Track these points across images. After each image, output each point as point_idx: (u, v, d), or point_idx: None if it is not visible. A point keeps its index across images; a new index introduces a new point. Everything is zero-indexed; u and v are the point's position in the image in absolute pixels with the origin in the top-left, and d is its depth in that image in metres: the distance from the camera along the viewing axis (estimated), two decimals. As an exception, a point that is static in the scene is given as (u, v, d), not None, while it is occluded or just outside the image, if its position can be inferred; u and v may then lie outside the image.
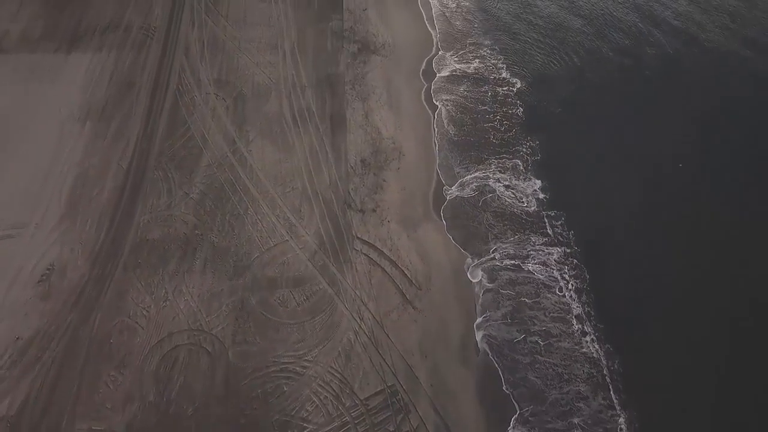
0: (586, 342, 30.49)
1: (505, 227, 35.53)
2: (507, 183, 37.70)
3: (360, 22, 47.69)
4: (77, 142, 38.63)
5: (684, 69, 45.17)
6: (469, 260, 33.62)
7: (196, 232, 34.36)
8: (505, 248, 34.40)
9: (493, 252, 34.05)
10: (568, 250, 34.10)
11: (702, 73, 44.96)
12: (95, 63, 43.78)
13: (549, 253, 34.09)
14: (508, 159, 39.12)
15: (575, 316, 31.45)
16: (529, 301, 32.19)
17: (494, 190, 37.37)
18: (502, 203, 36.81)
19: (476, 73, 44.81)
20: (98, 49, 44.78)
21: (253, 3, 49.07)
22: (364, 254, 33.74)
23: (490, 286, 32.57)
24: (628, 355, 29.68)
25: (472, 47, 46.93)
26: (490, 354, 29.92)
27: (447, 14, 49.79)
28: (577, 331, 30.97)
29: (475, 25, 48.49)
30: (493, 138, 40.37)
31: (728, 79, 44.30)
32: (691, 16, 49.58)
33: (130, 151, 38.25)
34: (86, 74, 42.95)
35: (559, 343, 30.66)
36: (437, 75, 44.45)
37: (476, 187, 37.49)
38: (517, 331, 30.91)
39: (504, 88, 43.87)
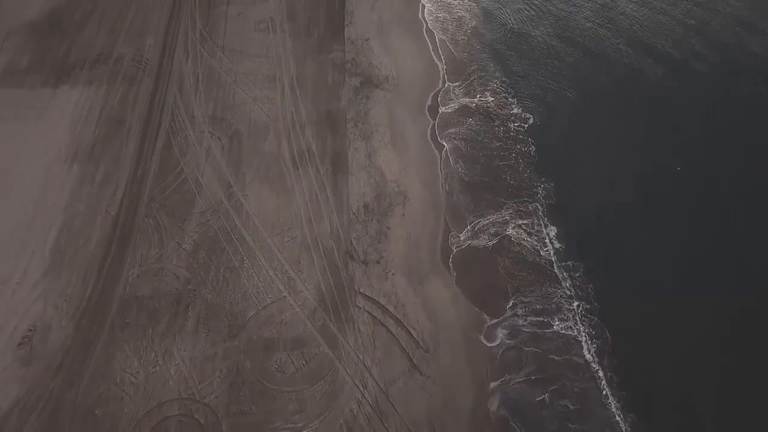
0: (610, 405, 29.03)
1: (518, 280, 34.14)
2: (520, 230, 36.37)
3: (362, 53, 46.48)
4: (64, 186, 37.32)
5: (716, 110, 43.59)
6: (484, 317, 32.11)
7: (189, 287, 32.96)
8: (521, 304, 33.07)
9: (508, 309, 32.61)
10: (588, 306, 32.63)
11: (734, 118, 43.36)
12: (84, 98, 42.57)
13: (569, 309, 32.60)
14: (521, 203, 37.77)
15: (601, 379, 29.96)
16: (552, 361, 30.67)
17: (506, 239, 36.00)
18: (515, 253, 35.43)
19: (485, 108, 43.52)
20: (88, 82, 43.57)
21: (251, 32, 47.88)
22: (368, 312, 32.32)
23: (510, 342, 31.13)
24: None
25: (480, 79, 45.66)
26: (510, 420, 28.36)
27: (453, 43, 48.55)
28: (603, 394, 29.49)
29: (484, 55, 47.25)
30: (505, 180, 39.09)
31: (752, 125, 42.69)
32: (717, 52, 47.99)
33: (119, 197, 36.93)
34: (74, 111, 41.74)
35: (591, 409, 29.14)
36: (444, 110, 43.21)
37: (487, 235, 36.12)
38: (541, 394, 29.36)
39: (515, 124, 42.57)
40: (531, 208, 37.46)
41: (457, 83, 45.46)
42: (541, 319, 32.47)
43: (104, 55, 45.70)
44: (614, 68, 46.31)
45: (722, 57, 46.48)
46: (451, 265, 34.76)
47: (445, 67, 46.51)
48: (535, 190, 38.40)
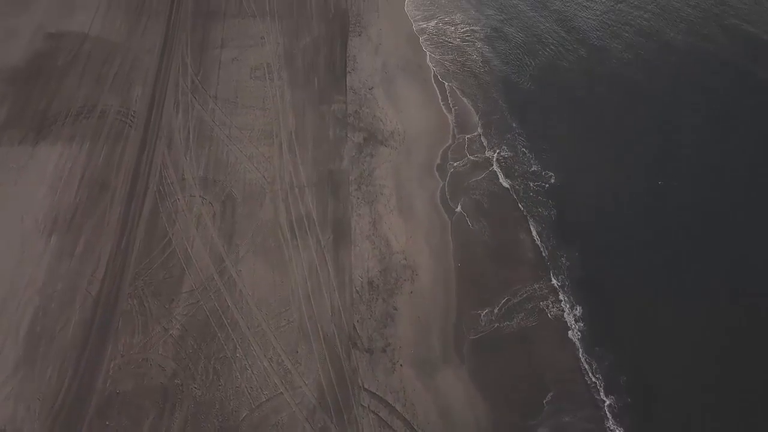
0: None
1: (540, 374, 31.76)
2: (543, 311, 34.05)
3: (366, 105, 44.50)
4: (40, 261, 35.16)
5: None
6: (506, 418, 29.82)
7: (176, 381, 30.74)
8: (543, 403, 30.62)
9: (537, 413, 30.24)
10: (620, 404, 30.34)
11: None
12: (65, 158, 40.53)
13: (601, 412, 30.37)
14: (544, 279, 35.72)
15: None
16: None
17: (527, 321, 33.69)
18: (540, 338, 33.14)
19: (501, 166, 41.44)
20: (69, 139, 41.57)
21: (246, 80, 45.96)
22: (373, 411, 30.09)
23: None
24: None
25: (495, 132, 43.72)
26: None
27: (464, 91, 46.63)
28: None
29: (498, 104, 45.31)
30: (524, 250, 37.06)
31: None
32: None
33: (101, 274, 34.74)
34: (54, 172, 39.69)
35: None
36: (454, 170, 41.08)
37: (506, 317, 33.89)
38: None
39: (535, 183, 40.56)
40: (555, 284, 35.31)
41: (468, 137, 43.49)
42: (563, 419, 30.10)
43: (88, 107, 43.73)
44: (648, 121, 44.15)
45: None
46: (465, 353, 32.55)
47: (455, 119, 44.53)
48: (558, 262, 36.33)
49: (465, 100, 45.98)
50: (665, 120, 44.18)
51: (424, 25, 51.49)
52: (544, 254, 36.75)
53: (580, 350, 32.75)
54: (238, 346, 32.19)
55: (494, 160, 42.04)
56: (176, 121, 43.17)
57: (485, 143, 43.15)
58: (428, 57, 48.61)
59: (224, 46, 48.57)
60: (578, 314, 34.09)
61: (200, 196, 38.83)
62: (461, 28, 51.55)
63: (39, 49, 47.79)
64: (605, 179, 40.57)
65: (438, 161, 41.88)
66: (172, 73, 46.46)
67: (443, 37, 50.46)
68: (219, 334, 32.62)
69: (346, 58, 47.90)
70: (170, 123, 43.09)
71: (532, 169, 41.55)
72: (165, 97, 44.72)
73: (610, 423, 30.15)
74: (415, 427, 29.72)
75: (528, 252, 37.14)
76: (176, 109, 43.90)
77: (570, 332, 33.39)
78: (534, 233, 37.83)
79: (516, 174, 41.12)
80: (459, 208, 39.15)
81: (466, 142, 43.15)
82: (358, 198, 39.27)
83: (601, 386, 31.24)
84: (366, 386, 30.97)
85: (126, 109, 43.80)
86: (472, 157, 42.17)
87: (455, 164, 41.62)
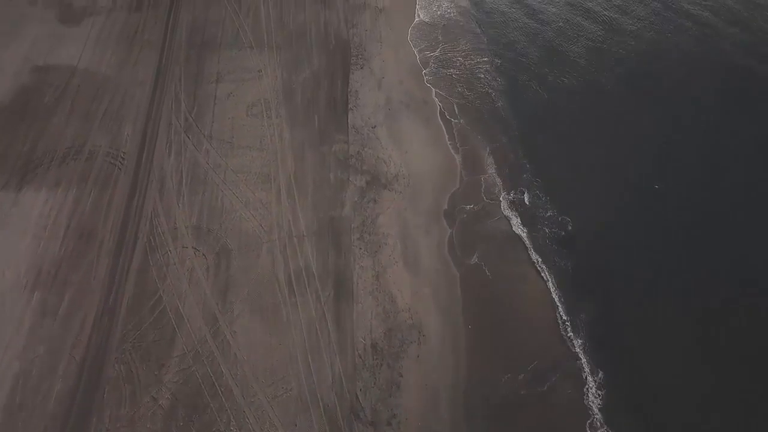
0: None
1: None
2: (560, 378, 32.37)
3: (368, 145, 42.89)
4: (22, 322, 33.56)
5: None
6: None
7: (165, 459, 28.88)
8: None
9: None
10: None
11: None
12: (51, 205, 38.91)
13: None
14: (561, 339, 34.01)
15: None
16: None
17: (544, 389, 31.89)
18: (556, 409, 31.34)
19: (514, 212, 39.77)
20: (55, 184, 39.96)
21: (242, 117, 44.38)
22: (378, 495, 28.19)
23: None
24: None
25: (507, 173, 42.20)
26: None
27: (472, 128, 45.05)
28: None
29: (510, 142, 43.81)
30: (539, 308, 35.14)
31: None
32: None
33: (86, 336, 33.10)
34: (39, 221, 38.04)
35: None
36: (463, 216, 39.35)
37: (520, 383, 32.05)
38: None
39: (551, 230, 39.03)
40: (574, 345, 33.69)
41: (478, 180, 41.83)
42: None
43: (76, 148, 42.16)
44: (673, 161, 42.46)
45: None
46: (478, 426, 30.69)
47: (463, 160, 42.94)
48: (577, 319, 34.93)
49: (473, 138, 44.37)
50: (691, 159, 42.47)
51: (429, 55, 49.99)
52: (561, 312, 35.12)
53: (601, 420, 30.91)
54: (232, 419, 30.45)
55: (506, 205, 40.42)
56: (168, 163, 41.55)
57: (496, 186, 41.54)
58: (434, 92, 46.98)
59: (220, 80, 47.00)
60: (600, 380, 32.35)
61: (193, 248, 37.16)
62: (467, 58, 50.04)
63: (25, 83, 46.25)
64: (626, 224, 38.90)
65: (445, 206, 40.24)
66: (164, 110, 44.88)
67: (449, 69, 48.89)
68: (212, 405, 30.90)
69: (347, 94, 46.33)
70: (162, 165, 41.47)
71: (548, 214, 39.91)
72: (157, 137, 43.13)
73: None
74: None
75: (544, 310, 35.48)
76: (168, 150, 42.29)
77: (590, 401, 31.56)
78: (551, 288, 36.19)
79: (530, 220, 39.49)
80: (468, 260, 37.48)
81: (476, 185, 41.55)
82: (360, 248, 37.59)
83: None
84: (370, 465, 29.19)
85: (116, 150, 42.20)
86: (481, 202, 40.56)
87: (464, 210, 40.01)
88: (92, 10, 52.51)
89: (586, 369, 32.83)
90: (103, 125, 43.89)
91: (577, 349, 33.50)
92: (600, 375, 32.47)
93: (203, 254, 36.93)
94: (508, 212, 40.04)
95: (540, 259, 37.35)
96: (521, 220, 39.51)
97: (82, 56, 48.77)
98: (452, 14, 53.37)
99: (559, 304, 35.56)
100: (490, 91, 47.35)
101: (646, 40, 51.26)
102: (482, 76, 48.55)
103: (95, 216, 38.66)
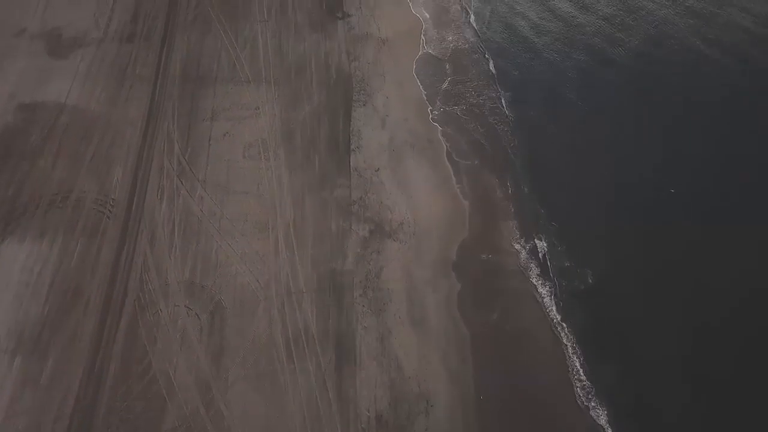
0: None
1: None
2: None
3: (371, 190, 41.23)
4: (2, 390, 31.82)
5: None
6: None
7: None
8: None
9: None
10: None
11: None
12: (34, 258, 37.29)
13: None
14: (583, 411, 32.22)
15: None
16: None
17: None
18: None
19: (528, 263, 38.22)
20: (39, 235, 38.33)
21: (239, 160, 42.79)
22: None
23: None
24: None
25: (520, 220, 40.70)
26: None
27: (482, 171, 43.37)
28: None
29: (522, 185, 42.20)
30: (558, 375, 33.54)
31: None
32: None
33: (70, 408, 31.55)
34: (21, 276, 36.42)
35: None
36: (473, 268, 37.68)
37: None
38: None
39: (570, 284, 37.57)
40: (599, 418, 31.73)
41: (488, 228, 40.18)
42: None
43: (62, 195, 40.57)
44: (697, 205, 40.90)
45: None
46: None
47: (471, 205, 41.30)
48: (600, 386, 33.35)
49: (482, 181, 42.73)
50: (717, 201, 40.83)
51: (435, 90, 48.38)
52: (582, 377, 33.36)
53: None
54: (226, 503, 28.62)
55: (519, 255, 38.80)
56: (160, 211, 39.91)
57: (508, 234, 39.91)
58: (440, 131, 45.31)
59: (215, 118, 45.41)
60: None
61: (185, 306, 35.49)
62: (475, 92, 48.38)
63: (10, 123, 44.70)
64: (650, 276, 37.31)
65: (454, 258, 38.52)
66: (156, 151, 43.30)
67: (456, 105, 47.27)
68: (204, 487, 29.07)
69: (349, 133, 44.73)
70: (153, 213, 39.84)
71: (566, 264, 38.28)
72: (148, 182, 41.53)
73: None
74: None
75: (564, 375, 33.78)
76: (160, 197, 40.66)
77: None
78: (570, 350, 34.70)
79: (546, 272, 37.95)
80: (480, 319, 35.78)
81: (486, 234, 39.87)
82: (363, 306, 35.90)
83: None
84: None
85: (104, 196, 40.58)
86: (493, 253, 38.87)
87: (474, 262, 38.29)
88: (82, 42, 50.95)
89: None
90: (92, 168, 42.26)
91: (602, 422, 31.70)
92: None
93: (196, 313, 35.26)
94: (521, 263, 38.41)
95: (558, 318, 35.72)
96: (536, 273, 37.89)
97: (71, 92, 47.22)
98: (459, 45, 51.79)
99: (580, 368, 33.90)
100: (499, 129, 45.74)
101: (674, 78, 49.54)
102: (491, 112, 46.93)
103: (81, 270, 36.99)
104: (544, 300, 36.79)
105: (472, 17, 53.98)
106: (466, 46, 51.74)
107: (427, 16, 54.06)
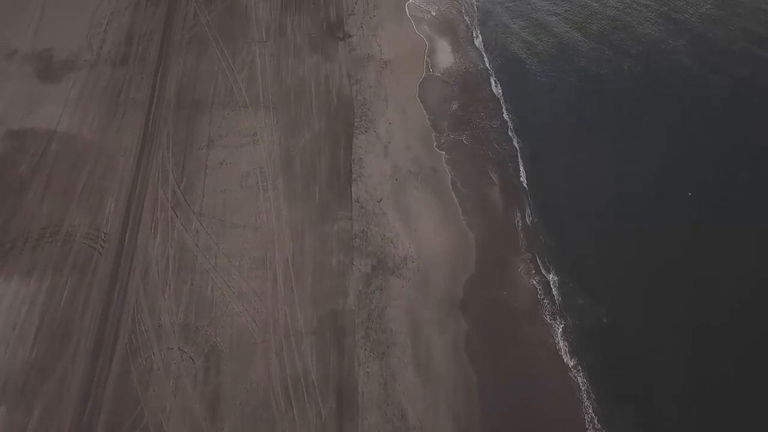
0: None
1: None
2: None
3: (374, 222, 40.08)
4: (-15, 444, 30.46)
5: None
6: None
7: None
8: None
9: None
10: None
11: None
12: (22, 297, 36.21)
13: None
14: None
15: None
16: None
17: None
18: None
19: (540, 300, 37.07)
20: (28, 272, 37.27)
21: (236, 190, 41.71)
22: None
23: None
24: None
25: (530, 254, 39.67)
26: None
27: (488, 201, 42.08)
28: None
29: (532, 217, 41.10)
30: (574, 422, 32.14)
31: None
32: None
33: (57, 463, 29.99)
34: (8, 318, 35.41)
35: None
36: (482, 307, 36.49)
37: None
38: None
39: (584, 322, 36.52)
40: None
41: (496, 262, 39.10)
42: None
43: (52, 229, 39.47)
44: (721, 244, 39.48)
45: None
46: None
47: (478, 239, 40.10)
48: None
49: (489, 212, 41.50)
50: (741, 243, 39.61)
51: (439, 114, 47.24)
52: (599, 427, 32.11)
53: None
54: None
55: (529, 291, 37.65)
56: (153, 246, 38.76)
57: (517, 269, 38.76)
58: (444, 159, 44.14)
59: (211, 146, 44.31)
60: None
61: (179, 349, 34.32)
62: (481, 117, 47.26)
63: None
64: (665, 312, 36.11)
65: (461, 295, 37.33)
66: (150, 182, 42.22)
67: (461, 131, 46.16)
68: None
69: (351, 162, 43.58)
70: (146, 248, 38.71)
71: (579, 302, 37.24)
72: (141, 214, 40.41)
73: None
74: None
75: (578, 423, 32.33)
76: (154, 231, 39.54)
77: None
78: (585, 396, 33.47)
79: (558, 310, 36.88)
80: (488, 361, 34.59)
81: (494, 269, 38.69)
82: (365, 349, 34.71)
83: None
84: None
85: (95, 230, 39.45)
86: (501, 290, 37.70)
87: (481, 299, 37.14)
88: (74, 65, 49.95)
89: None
90: (83, 200, 41.16)
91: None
92: None
93: (191, 357, 34.08)
94: (531, 301, 37.27)
95: (571, 362, 34.52)
96: (547, 311, 36.76)
97: (62, 118, 46.23)
98: (464, 67, 50.69)
99: (594, 415, 32.66)
100: (506, 156, 44.62)
101: (686, 101, 48.41)
102: (497, 138, 45.82)
103: (71, 311, 35.89)
104: (556, 341, 35.59)
105: (478, 38, 52.84)
106: (472, 68, 50.64)
107: (431, 36, 53.01)
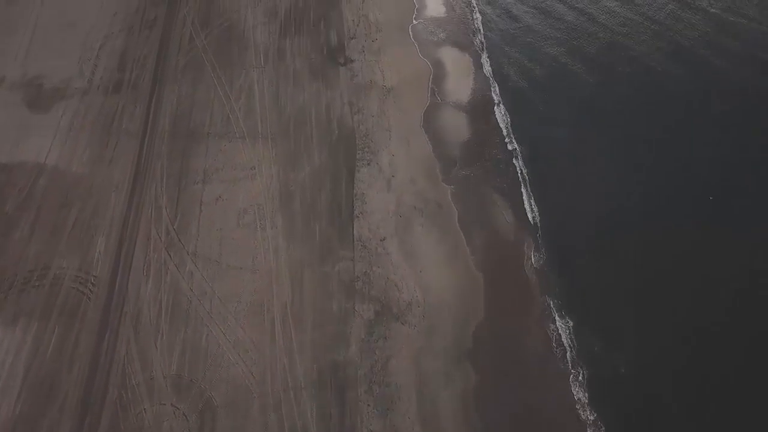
0: None
1: None
2: None
3: (377, 263, 38.73)
4: None
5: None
6: None
7: None
8: None
9: None
10: None
11: None
12: (6, 348, 35.19)
13: None
14: None
15: None
16: None
17: None
18: None
19: (555, 349, 35.68)
20: (13, 320, 36.12)
21: (232, 228, 40.52)
22: None
23: None
24: None
25: (543, 298, 38.10)
26: None
27: (497, 240, 40.76)
28: None
29: (547, 258, 39.60)
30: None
31: None
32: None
33: None
34: (-8, 369, 33.71)
35: None
36: (492, 357, 35.02)
37: None
38: None
39: (600, 371, 34.68)
40: None
41: (507, 307, 37.50)
42: None
43: (39, 271, 38.20)
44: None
45: None
46: None
47: (487, 280, 38.65)
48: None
49: (499, 251, 40.11)
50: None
51: (446, 145, 45.87)
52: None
53: None
54: None
55: (542, 339, 36.23)
56: (146, 290, 37.45)
57: (529, 314, 37.30)
58: (450, 193, 42.73)
59: (207, 180, 43.04)
60: None
61: (172, 405, 32.95)
62: (489, 148, 45.87)
63: (-16, 188, 42.31)
64: (685, 358, 34.85)
65: (469, 344, 35.95)
66: (143, 219, 40.94)
67: (468, 163, 44.76)
68: None
69: (353, 197, 42.22)
70: (138, 293, 37.40)
71: (595, 349, 35.81)
72: (133, 255, 39.09)
73: None
74: None
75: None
76: (146, 273, 38.21)
77: None
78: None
79: (573, 359, 35.51)
80: (500, 419, 33.03)
81: (505, 315, 37.26)
82: (369, 405, 33.30)
83: None
84: None
85: (85, 273, 38.16)
86: (513, 338, 36.23)
87: (492, 349, 35.64)
88: (64, 93, 48.77)
89: None
90: (72, 240, 39.87)
91: None
92: None
93: (184, 413, 32.72)
94: (544, 349, 35.88)
95: (590, 417, 32.98)
96: (562, 360, 35.48)
97: (51, 150, 45.06)
98: (471, 93, 49.40)
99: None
100: (515, 189, 43.23)
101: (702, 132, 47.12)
102: (506, 171, 44.50)
103: (58, 362, 34.60)
104: (572, 393, 34.11)
105: (486, 64, 51.51)
106: (479, 95, 49.32)
107: (437, 60, 51.70)
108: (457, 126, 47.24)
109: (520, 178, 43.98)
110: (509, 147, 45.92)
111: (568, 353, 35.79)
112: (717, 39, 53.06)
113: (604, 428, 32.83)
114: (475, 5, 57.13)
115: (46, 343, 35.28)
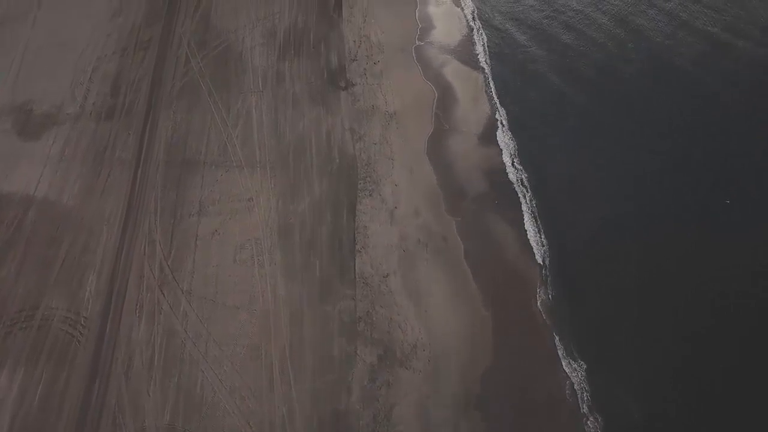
0: None
1: None
2: None
3: (380, 302, 37.46)
4: None
5: None
6: None
7: None
8: None
9: None
10: None
11: None
12: (-8, 396, 33.34)
13: None
14: None
15: None
16: None
17: None
18: None
19: (568, 397, 34.48)
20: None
21: (229, 266, 39.25)
22: None
23: None
24: None
25: (553, 337, 36.82)
26: None
27: (505, 276, 39.51)
28: None
29: (556, 295, 38.35)
30: None
31: None
32: None
33: None
34: (-24, 420, 32.40)
35: None
36: (502, 407, 33.77)
37: None
38: None
39: (615, 420, 33.62)
40: None
41: (518, 350, 36.25)
42: None
43: (26, 312, 37.06)
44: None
45: None
46: None
47: (496, 320, 37.36)
48: None
49: (507, 288, 38.88)
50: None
51: (450, 174, 44.65)
52: None
53: None
54: None
55: (554, 384, 34.85)
56: (138, 332, 36.20)
57: (540, 357, 36.00)
58: (456, 226, 41.44)
59: (203, 213, 41.83)
60: None
61: (165, 460, 31.51)
62: (496, 178, 44.55)
63: (-29, 224, 41.11)
64: (708, 405, 33.54)
65: (478, 390, 34.61)
66: (136, 255, 39.70)
67: (474, 193, 43.56)
68: None
69: (354, 230, 40.94)
70: (130, 335, 36.16)
71: (610, 396, 34.36)
72: (125, 295, 37.90)
73: None
74: None
75: None
76: (139, 314, 36.96)
77: None
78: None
79: (588, 408, 34.29)
80: (507, 471, 31.58)
81: (515, 359, 35.98)
82: (372, 457, 31.84)
83: None
84: None
85: (74, 314, 36.98)
86: (524, 385, 34.89)
87: (501, 394, 34.30)
88: (56, 119, 47.67)
89: None
90: (61, 278, 38.67)
91: None
92: None
93: (177, 469, 31.28)
94: (557, 396, 34.51)
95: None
96: (575, 409, 34.17)
97: (41, 181, 43.91)
98: (477, 118, 48.23)
99: None
100: (524, 222, 41.96)
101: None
102: (514, 201, 43.16)
103: (45, 411, 33.40)
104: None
105: (491, 87, 50.31)
106: (485, 120, 48.15)
107: (441, 83, 50.47)
108: (462, 153, 45.99)
109: (527, 209, 42.68)
110: (516, 175, 44.74)
111: (580, 399, 34.40)
112: (719, 60, 51.89)
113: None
114: (480, 26, 55.94)
115: (34, 390, 34.01)
